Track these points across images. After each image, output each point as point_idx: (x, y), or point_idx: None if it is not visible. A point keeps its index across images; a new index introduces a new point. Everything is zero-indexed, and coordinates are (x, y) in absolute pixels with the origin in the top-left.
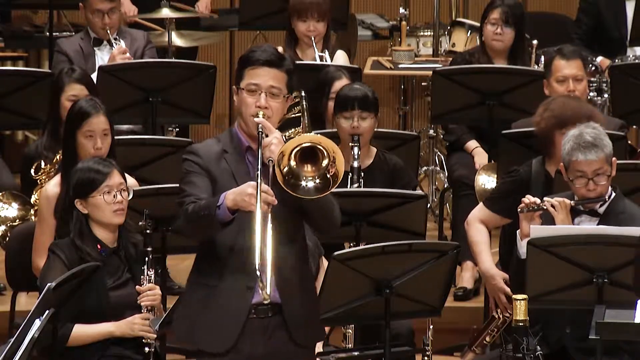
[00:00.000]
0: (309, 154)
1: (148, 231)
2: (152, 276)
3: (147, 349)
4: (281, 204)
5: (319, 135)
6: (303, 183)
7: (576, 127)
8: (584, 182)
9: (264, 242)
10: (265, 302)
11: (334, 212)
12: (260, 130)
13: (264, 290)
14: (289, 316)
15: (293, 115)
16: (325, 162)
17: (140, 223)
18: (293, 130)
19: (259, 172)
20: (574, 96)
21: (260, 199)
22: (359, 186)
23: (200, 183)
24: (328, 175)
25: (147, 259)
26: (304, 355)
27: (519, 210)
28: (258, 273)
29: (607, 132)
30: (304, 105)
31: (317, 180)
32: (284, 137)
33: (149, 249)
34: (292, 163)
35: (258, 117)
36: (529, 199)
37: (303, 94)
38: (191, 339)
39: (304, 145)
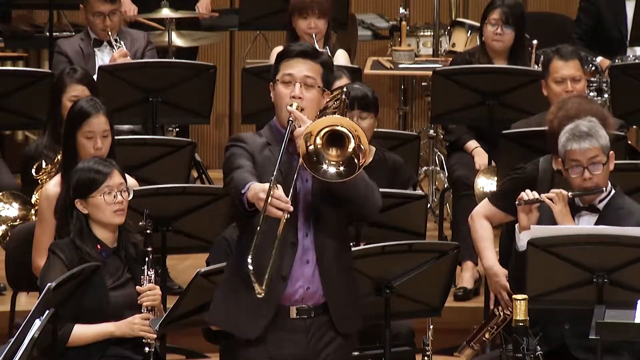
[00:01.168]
0: (336, 138)
1: (148, 231)
2: (152, 276)
3: (147, 349)
4: (317, 195)
5: (344, 117)
6: (324, 167)
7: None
8: (580, 172)
9: (265, 241)
10: (259, 295)
11: (374, 195)
12: (291, 119)
13: (257, 284)
14: (333, 306)
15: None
16: (351, 147)
17: (140, 223)
18: None
19: (275, 170)
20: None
21: (271, 203)
22: None
23: (246, 162)
24: (355, 160)
25: (147, 259)
26: (347, 346)
27: (516, 203)
28: (250, 268)
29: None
30: (343, 99)
31: (341, 167)
32: None
33: (149, 249)
34: (318, 142)
35: (291, 106)
36: (527, 194)
37: (345, 89)
38: (226, 323)
39: (333, 128)
